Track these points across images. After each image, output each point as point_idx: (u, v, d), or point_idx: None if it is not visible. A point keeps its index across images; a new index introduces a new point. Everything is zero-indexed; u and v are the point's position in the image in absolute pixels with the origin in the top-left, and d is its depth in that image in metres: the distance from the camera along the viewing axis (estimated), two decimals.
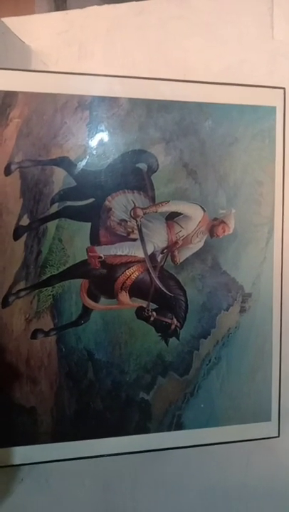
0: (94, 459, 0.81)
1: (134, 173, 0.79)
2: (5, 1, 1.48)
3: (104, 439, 0.82)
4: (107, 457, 0.82)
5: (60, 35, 0.91)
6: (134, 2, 0.90)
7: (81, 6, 1.56)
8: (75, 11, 0.91)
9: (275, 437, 0.89)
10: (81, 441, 0.81)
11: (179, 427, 0.85)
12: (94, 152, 0.77)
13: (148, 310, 0.82)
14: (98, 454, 0.82)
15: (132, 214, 0.80)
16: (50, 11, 1.58)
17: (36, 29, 0.92)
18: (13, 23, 0.89)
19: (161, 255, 0.82)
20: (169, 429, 0.85)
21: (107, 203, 0.79)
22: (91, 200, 0.78)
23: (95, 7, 0.91)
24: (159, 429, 0.84)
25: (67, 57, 0.91)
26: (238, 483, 0.92)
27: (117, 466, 0.89)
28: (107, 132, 0.78)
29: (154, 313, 0.82)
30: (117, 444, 0.82)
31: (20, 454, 0.79)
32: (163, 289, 0.82)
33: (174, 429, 0.85)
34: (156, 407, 0.84)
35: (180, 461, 0.90)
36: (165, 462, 0.90)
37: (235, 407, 0.87)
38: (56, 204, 0.76)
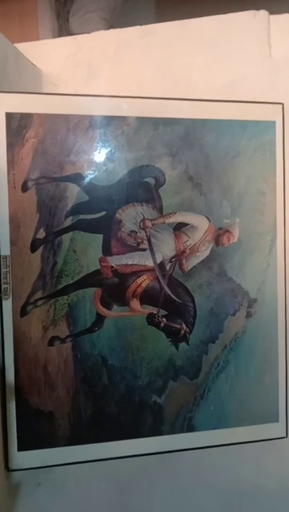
0: (109, 461, 0.84)
1: (143, 187, 0.84)
2: (10, 23, 1.54)
3: (118, 441, 0.85)
4: (122, 459, 0.85)
5: (68, 57, 0.97)
6: (138, 26, 0.95)
7: (83, 26, 1.62)
8: (82, 35, 0.97)
9: (283, 438, 0.92)
10: (96, 444, 0.84)
11: (191, 429, 0.88)
12: (105, 168, 0.82)
13: (158, 316, 0.85)
14: (113, 457, 0.85)
15: (141, 225, 0.84)
16: (53, 31, 1.64)
17: (46, 53, 0.97)
18: (24, 47, 0.94)
19: (169, 264, 0.86)
20: (180, 431, 0.87)
21: (117, 215, 0.83)
22: (103, 213, 0.82)
23: (102, 32, 0.97)
24: (172, 432, 0.87)
25: (77, 79, 0.96)
26: (250, 483, 0.94)
27: (131, 469, 0.92)
28: (116, 149, 0.82)
29: (164, 319, 0.86)
30: (131, 447, 0.85)
31: (39, 457, 0.82)
32: (172, 296, 0.86)
33: (186, 431, 0.88)
34: (168, 410, 0.87)
35: (192, 462, 0.92)
36: (178, 463, 0.92)
37: (244, 408, 0.90)
38: (70, 217, 0.81)
